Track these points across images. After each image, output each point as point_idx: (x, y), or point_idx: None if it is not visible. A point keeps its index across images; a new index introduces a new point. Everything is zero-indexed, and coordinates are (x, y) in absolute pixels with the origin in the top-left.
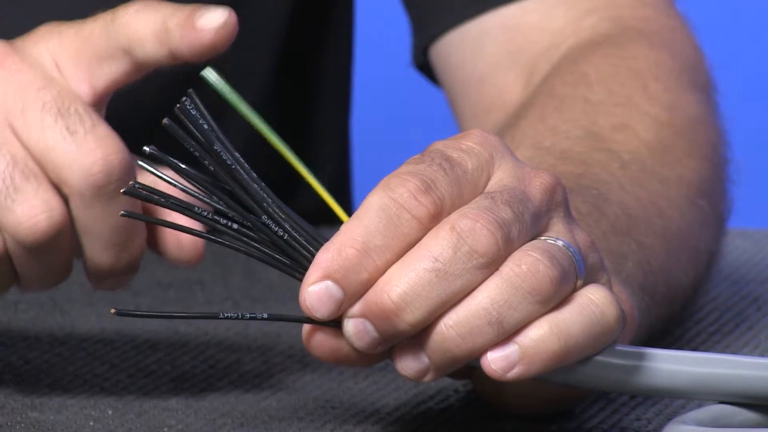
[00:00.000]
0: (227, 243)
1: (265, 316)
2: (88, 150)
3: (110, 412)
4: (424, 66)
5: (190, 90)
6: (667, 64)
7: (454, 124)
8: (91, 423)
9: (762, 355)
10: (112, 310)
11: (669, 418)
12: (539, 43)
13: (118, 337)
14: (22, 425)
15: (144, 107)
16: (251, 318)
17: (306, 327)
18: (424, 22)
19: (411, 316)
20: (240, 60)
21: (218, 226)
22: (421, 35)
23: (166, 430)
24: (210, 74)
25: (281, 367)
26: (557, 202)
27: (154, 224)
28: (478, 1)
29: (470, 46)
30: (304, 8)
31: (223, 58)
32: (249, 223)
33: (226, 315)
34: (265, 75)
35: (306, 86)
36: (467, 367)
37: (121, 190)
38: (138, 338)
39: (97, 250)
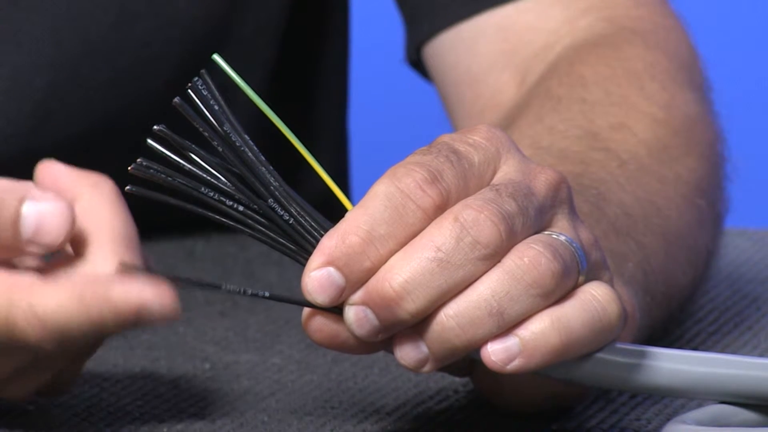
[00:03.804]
0: (232, 224)
1: (267, 294)
2: None
3: (110, 412)
4: (417, 63)
5: (203, 70)
6: (663, 63)
7: None
8: (91, 423)
9: (761, 355)
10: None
11: (669, 418)
12: (534, 43)
13: (118, 338)
14: (23, 424)
15: (138, 109)
16: (253, 295)
17: (306, 310)
18: (418, 22)
19: (412, 305)
20: (238, 57)
21: (224, 207)
22: (415, 34)
23: (165, 430)
24: (220, 58)
25: (281, 367)
26: (561, 199)
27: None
28: (472, 1)
29: (464, 47)
30: (301, 7)
31: (221, 55)
32: (255, 206)
33: (228, 288)
34: (263, 73)
35: (303, 84)
36: (467, 363)
37: (129, 168)
38: (137, 338)
39: None
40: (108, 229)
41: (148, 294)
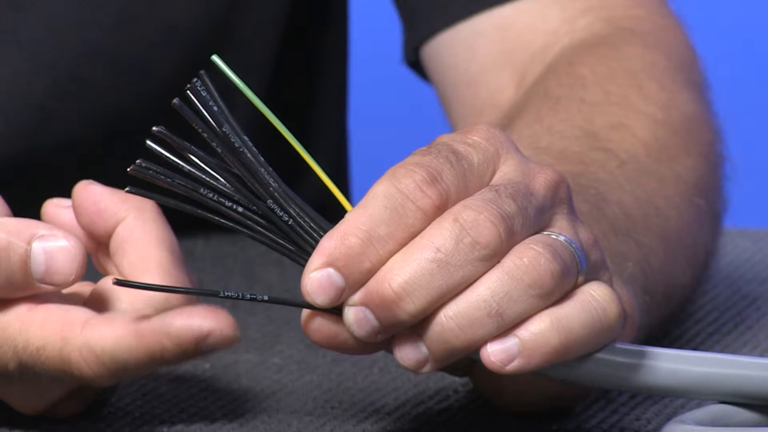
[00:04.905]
0: (231, 226)
1: (266, 297)
2: None
3: (110, 412)
4: (415, 63)
5: (202, 71)
6: (662, 63)
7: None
8: (91, 423)
9: (761, 354)
10: (113, 280)
11: (669, 418)
12: (533, 43)
13: None
14: (23, 424)
15: (137, 110)
16: (251, 299)
17: (305, 311)
18: (416, 22)
19: (411, 305)
20: (238, 58)
21: (223, 208)
22: (413, 35)
23: (165, 430)
24: (219, 59)
25: (281, 367)
26: (561, 199)
27: (157, 203)
28: (471, 1)
29: (463, 47)
30: (301, 7)
31: (221, 56)
32: (254, 207)
33: (226, 294)
34: (262, 73)
35: (303, 84)
36: (467, 363)
37: (128, 169)
38: None
39: None
40: (155, 253)
41: (208, 324)
